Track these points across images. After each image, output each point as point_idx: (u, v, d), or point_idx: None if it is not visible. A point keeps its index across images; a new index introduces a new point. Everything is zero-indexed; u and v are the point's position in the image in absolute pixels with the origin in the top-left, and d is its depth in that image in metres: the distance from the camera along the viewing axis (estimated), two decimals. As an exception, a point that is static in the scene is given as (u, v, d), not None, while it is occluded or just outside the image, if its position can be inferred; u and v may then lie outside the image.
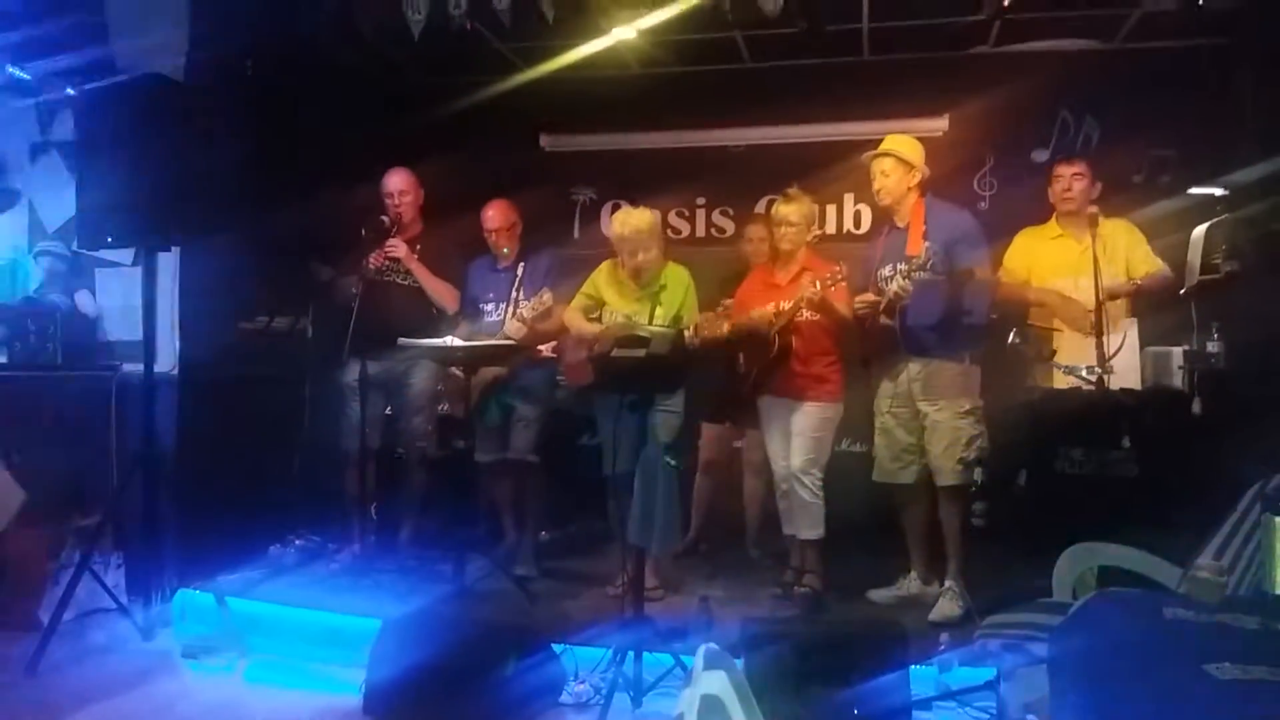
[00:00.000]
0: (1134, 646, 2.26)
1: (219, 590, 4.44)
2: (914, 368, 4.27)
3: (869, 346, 4.41)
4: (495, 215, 4.92)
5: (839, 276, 4.19)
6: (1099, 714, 2.13)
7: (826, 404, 4.43)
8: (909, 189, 4.35)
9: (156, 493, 4.35)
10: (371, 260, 4.85)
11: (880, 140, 4.47)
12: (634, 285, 4.57)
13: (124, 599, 4.37)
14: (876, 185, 4.39)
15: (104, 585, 4.31)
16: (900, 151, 4.35)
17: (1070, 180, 4.47)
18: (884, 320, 4.22)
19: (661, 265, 4.54)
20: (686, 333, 4.23)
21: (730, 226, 6.23)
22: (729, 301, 4.84)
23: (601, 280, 4.67)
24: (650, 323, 4.33)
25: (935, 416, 4.23)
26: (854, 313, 4.32)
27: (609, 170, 6.27)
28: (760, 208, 5.85)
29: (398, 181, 4.99)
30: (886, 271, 4.30)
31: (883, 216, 4.59)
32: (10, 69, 5.11)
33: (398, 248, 4.90)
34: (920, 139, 4.52)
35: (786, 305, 4.35)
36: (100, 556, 4.38)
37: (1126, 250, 4.40)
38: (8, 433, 4.57)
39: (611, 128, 6.20)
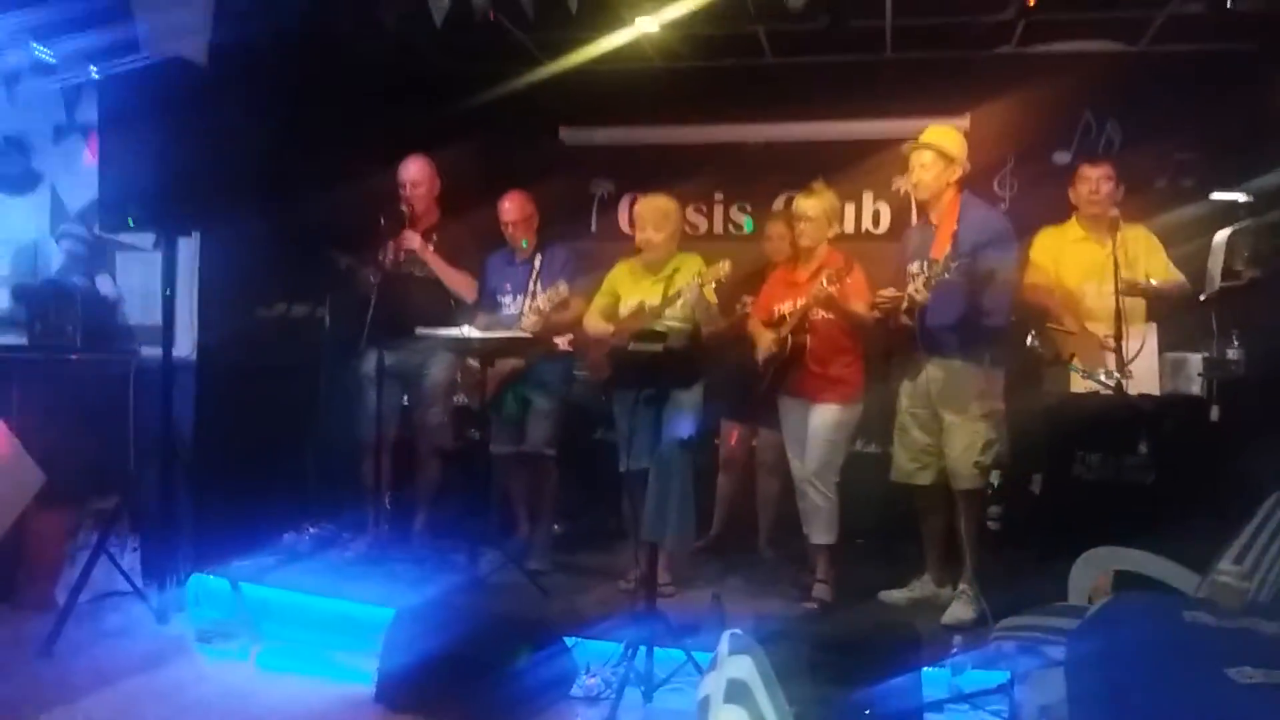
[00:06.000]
0: (1154, 650, 2.25)
1: (233, 576, 4.47)
2: (933, 369, 4.21)
3: (890, 345, 4.36)
4: (512, 207, 4.91)
5: (843, 273, 4.09)
6: (1117, 717, 2.12)
7: (843, 405, 4.35)
8: (947, 184, 4.23)
9: (173, 477, 4.37)
10: (388, 252, 4.85)
11: (911, 136, 4.35)
12: (646, 272, 4.61)
13: (139, 582, 4.40)
14: (914, 179, 4.28)
15: (120, 568, 4.34)
16: (941, 144, 4.21)
17: (1098, 182, 4.42)
18: (904, 320, 4.16)
19: (673, 252, 4.60)
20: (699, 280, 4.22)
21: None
22: (749, 299, 4.84)
23: (615, 276, 4.74)
24: (663, 305, 4.36)
25: (952, 419, 4.18)
26: (872, 310, 4.25)
27: (628, 164, 6.24)
28: (779, 204, 5.85)
29: (412, 172, 4.98)
30: (914, 269, 4.24)
31: (918, 210, 4.51)
32: (35, 49, 5.11)
33: (413, 240, 4.90)
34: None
35: (799, 304, 4.31)
36: (117, 539, 4.41)
37: (1145, 258, 4.37)
38: (28, 414, 4.58)
39: (631, 121, 6.17)
